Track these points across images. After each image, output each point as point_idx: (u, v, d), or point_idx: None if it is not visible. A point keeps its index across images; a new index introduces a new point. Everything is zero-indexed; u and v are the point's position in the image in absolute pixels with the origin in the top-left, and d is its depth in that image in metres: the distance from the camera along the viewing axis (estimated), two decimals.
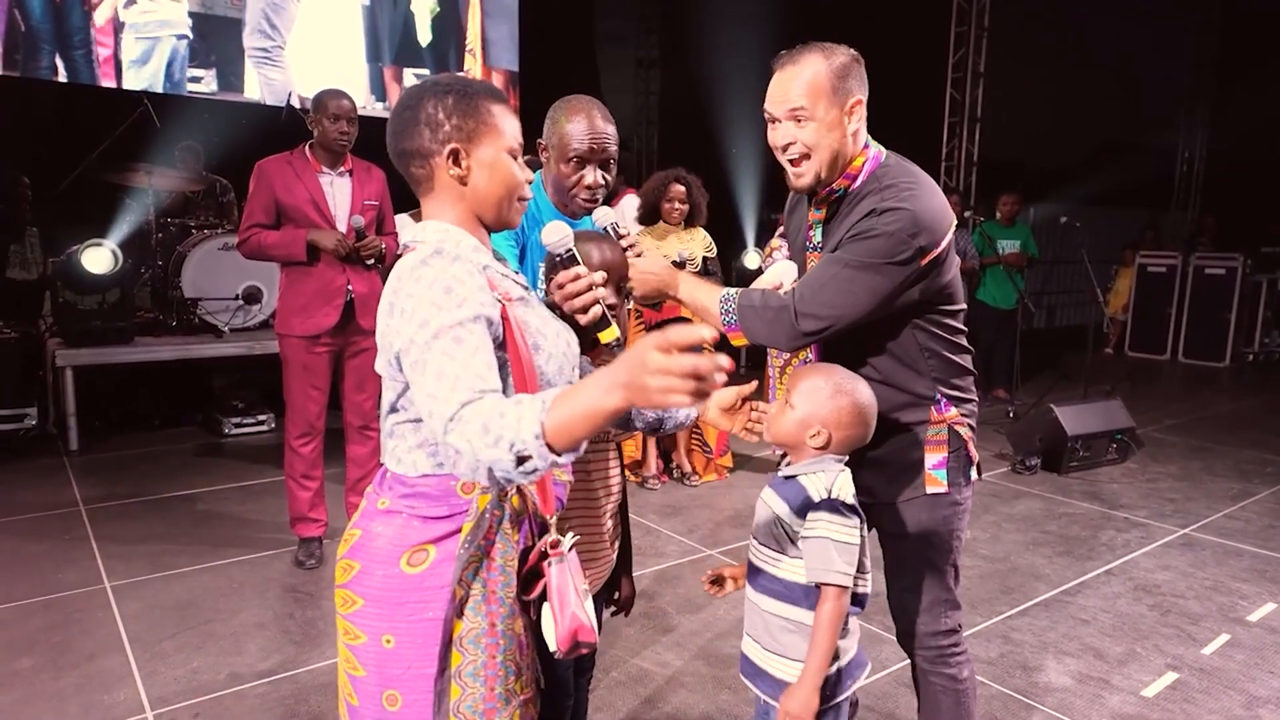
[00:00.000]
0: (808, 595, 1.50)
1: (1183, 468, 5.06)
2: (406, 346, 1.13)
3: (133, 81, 6.16)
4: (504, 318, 1.20)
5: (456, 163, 1.24)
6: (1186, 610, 3.14)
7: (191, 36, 6.35)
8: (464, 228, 1.26)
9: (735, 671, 2.22)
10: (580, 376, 1.43)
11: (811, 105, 1.55)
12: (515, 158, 1.28)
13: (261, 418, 5.43)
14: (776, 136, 1.61)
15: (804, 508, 1.50)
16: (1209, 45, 11.85)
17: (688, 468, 4.62)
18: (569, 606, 1.23)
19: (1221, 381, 8.32)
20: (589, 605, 1.25)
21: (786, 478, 1.54)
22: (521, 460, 0.99)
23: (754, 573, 1.58)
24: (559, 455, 0.99)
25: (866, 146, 1.63)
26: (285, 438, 3.37)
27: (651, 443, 4.51)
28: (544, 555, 1.26)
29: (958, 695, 1.77)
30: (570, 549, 1.27)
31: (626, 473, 4.79)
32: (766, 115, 1.61)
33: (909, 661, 1.85)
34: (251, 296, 5.46)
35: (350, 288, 3.28)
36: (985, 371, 6.76)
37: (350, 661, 1.24)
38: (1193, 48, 11.85)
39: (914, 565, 1.75)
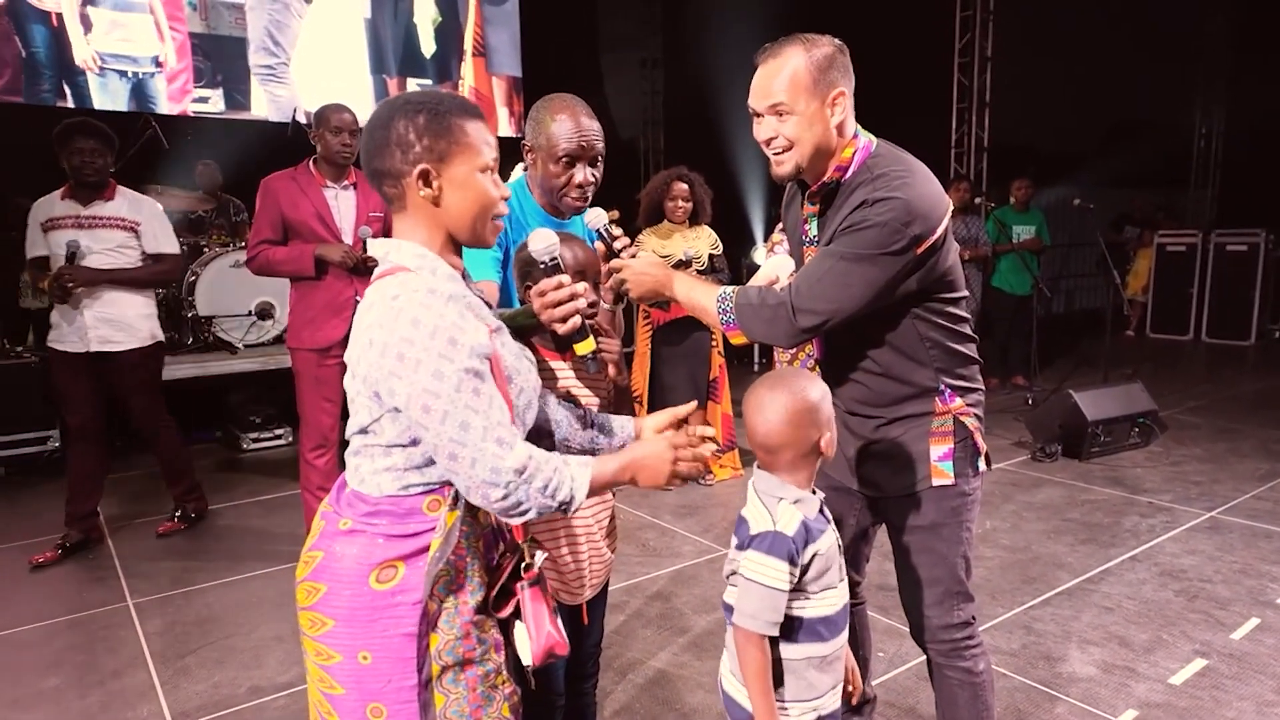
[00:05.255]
0: None
1: (1208, 450, 4.97)
2: (418, 395, 1.14)
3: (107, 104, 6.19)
4: (494, 348, 1.22)
5: (427, 184, 1.22)
6: (1214, 595, 3.08)
7: (161, 67, 6.38)
8: (438, 249, 1.26)
9: None
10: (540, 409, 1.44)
11: (792, 100, 1.54)
12: (490, 174, 1.26)
13: (279, 432, 5.48)
14: (760, 131, 1.61)
15: None
16: (1223, 20, 11.64)
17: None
18: (544, 626, 1.27)
19: (1246, 360, 8.18)
20: (560, 621, 1.30)
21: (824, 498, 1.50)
22: (564, 506, 1.21)
23: (846, 613, 1.46)
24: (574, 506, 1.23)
25: (856, 136, 1.61)
26: (300, 451, 3.39)
27: None
28: (515, 575, 1.27)
29: (975, 689, 1.74)
30: (540, 567, 1.30)
31: None
32: (750, 110, 1.61)
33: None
34: (265, 312, 5.51)
35: (359, 299, 3.28)
36: (1003, 359, 6.69)
37: (326, 681, 1.24)
38: (1207, 23, 11.65)
39: (923, 558, 1.73)
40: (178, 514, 4.00)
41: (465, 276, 1.33)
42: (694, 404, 1.51)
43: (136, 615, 3.08)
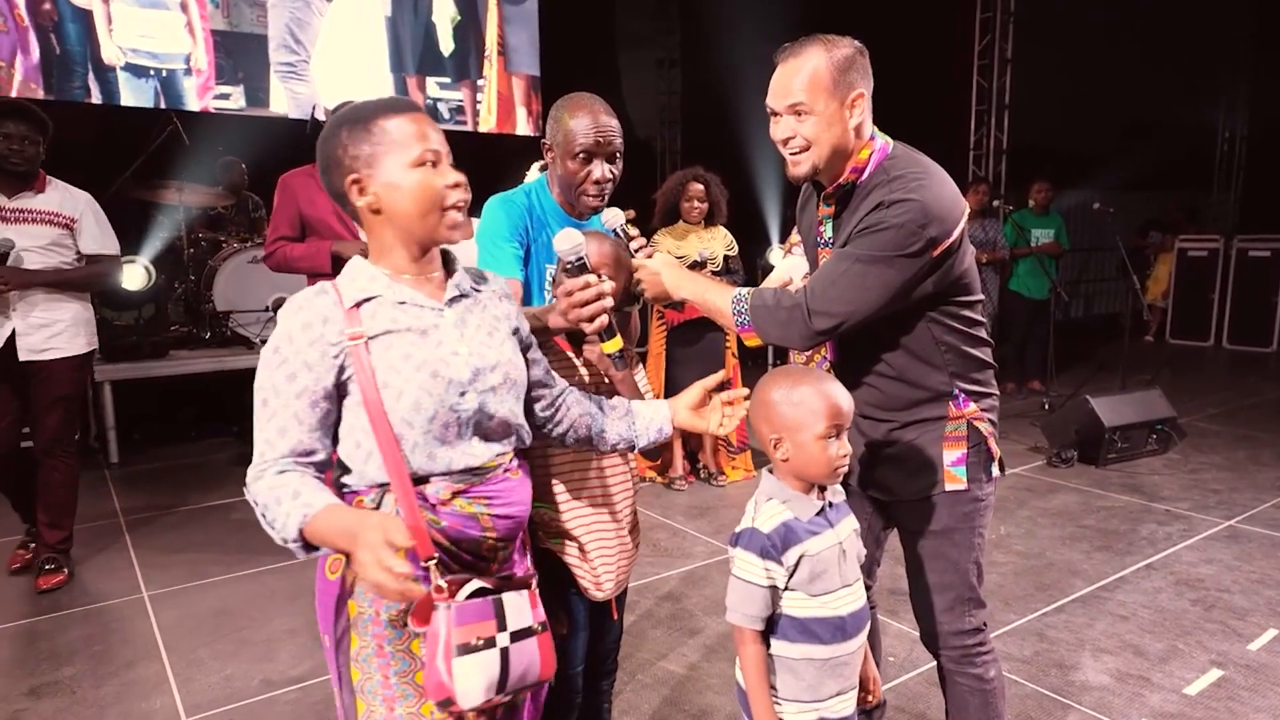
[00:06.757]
0: None
1: (1227, 457, 4.91)
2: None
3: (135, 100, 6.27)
4: (356, 358, 1.19)
5: (362, 192, 1.22)
6: (1232, 605, 3.04)
7: (192, 64, 6.44)
8: (397, 254, 1.25)
9: None
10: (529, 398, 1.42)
11: (811, 100, 1.53)
12: (430, 164, 1.21)
13: None
14: (778, 131, 1.60)
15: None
16: (1246, 18, 11.48)
17: (714, 467, 4.59)
18: (435, 659, 1.13)
19: (1268, 367, 8.07)
20: (470, 663, 1.13)
21: (834, 503, 1.47)
22: (286, 543, 1.13)
23: (858, 618, 1.43)
24: (316, 551, 1.14)
25: (872, 138, 1.60)
26: None
27: (677, 443, 4.49)
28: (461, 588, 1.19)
29: (985, 696, 1.73)
30: (468, 597, 1.16)
31: (653, 473, 4.75)
32: (768, 109, 1.60)
33: None
34: (282, 308, 5.55)
35: None
36: (1020, 363, 6.64)
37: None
38: (1229, 23, 11.50)
39: (935, 563, 1.71)
40: (47, 566, 3.27)
41: (449, 274, 1.31)
42: (721, 374, 1.57)
43: (151, 607, 3.11)
